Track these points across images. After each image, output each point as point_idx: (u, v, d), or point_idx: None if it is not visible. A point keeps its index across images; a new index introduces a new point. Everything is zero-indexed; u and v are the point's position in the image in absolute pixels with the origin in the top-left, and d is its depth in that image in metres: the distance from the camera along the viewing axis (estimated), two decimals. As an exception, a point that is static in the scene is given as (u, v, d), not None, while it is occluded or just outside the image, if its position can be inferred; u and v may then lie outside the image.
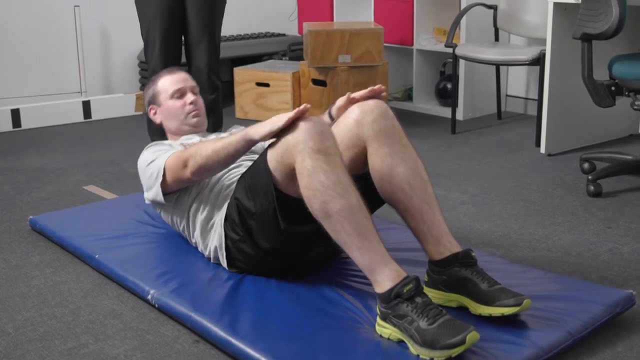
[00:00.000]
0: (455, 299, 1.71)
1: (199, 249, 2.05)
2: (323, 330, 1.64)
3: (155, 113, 2.24)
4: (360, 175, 1.77)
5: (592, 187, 2.69)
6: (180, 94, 2.18)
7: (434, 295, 1.72)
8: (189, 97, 2.18)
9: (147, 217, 2.38)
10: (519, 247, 2.25)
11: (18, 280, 2.07)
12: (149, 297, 1.86)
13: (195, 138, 2.15)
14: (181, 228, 2.08)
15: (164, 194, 2.00)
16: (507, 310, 1.60)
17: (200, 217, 1.98)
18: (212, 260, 1.99)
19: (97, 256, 2.09)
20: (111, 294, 1.96)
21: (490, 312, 1.63)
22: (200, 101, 2.21)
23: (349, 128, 1.79)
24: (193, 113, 2.18)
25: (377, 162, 1.75)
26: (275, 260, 1.86)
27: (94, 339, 1.73)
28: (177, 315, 1.77)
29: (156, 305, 1.84)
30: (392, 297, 1.55)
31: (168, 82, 2.20)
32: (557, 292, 1.76)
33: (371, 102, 1.80)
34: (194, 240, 2.06)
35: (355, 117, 1.79)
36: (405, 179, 1.73)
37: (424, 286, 1.74)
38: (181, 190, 2.02)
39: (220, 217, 1.91)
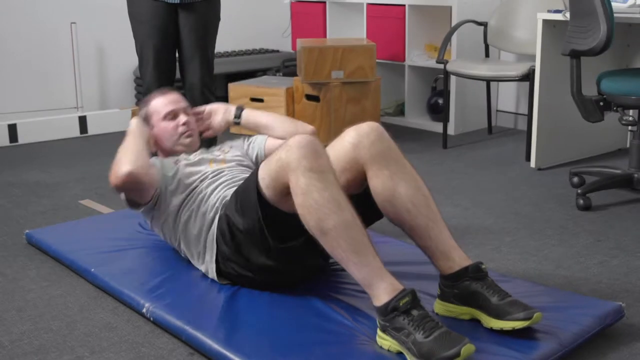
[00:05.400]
0: (467, 312, 1.73)
1: (192, 262, 2.06)
2: (319, 344, 1.65)
3: None
4: (359, 193, 1.79)
5: (581, 201, 2.73)
6: (172, 115, 2.18)
7: (446, 308, 1.75)
8: (182, 118, 2.18)
9: (142, 231, 2.40)
10: (510, 260, 2.28)
11: (14, 294, 2.08)
12: (144, 310, 1.87)
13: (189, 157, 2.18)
14: (171, 240, 2.10)
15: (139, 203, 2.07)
16: (518, 324, 1.62)
17: (192, 231, 1.99)
18: (207, 274, 2.01)
19: (92, 270, 2.11)
20: (107, 307, 1.98)
21: (501, 326, 1.64)
22: (193, 121, 2.23)
23: (346, 152, 1.80)
24: (186, 134, 2.18)
25: (379, 185, 1.77)
26: (265, 276, 1.88)
27: (89, 352, 1.74)
28: (172, 329, 1.79)
29: (151, 319, 1.86)
30: (389, 311, 1.57)
31: (160, 104, 2.20)
32: (548, 304, 1.79)
33: (366, 125, 1.82)
34: (183, 253, 2.08)
35: (352, 141, 1.80)
36: (407, 199, 1.75)
37: (437, 299, 1.78)
38: (161, 200, 2.04)
39: (212, 232, 1.93)
